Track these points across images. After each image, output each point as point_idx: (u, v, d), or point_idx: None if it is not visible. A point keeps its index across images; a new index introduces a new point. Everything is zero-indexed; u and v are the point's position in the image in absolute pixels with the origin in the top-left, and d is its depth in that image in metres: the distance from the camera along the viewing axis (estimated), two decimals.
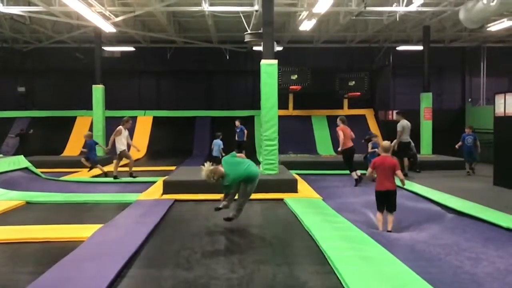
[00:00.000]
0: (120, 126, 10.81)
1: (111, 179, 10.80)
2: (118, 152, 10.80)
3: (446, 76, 20.59)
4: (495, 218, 6.36)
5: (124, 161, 11.25)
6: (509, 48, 19.14)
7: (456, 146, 12.18)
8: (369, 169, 6.67)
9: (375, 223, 6.63)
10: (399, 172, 6.40)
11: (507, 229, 5.89)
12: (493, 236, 5.77)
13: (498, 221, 6.19)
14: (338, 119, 10.35)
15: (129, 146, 11.19)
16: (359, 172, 10.01)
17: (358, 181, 9.87)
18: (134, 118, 19.69)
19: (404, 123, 11.31)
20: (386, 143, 6.90)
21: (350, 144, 10.01)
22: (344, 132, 9.97)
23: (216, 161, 13.79)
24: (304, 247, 5.05)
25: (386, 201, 6.41)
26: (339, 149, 10.25)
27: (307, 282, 3.91)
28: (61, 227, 6.05)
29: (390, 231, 6.29)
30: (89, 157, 11.60)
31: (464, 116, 19.64)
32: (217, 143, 13.24)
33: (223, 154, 12.94)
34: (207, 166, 5.71)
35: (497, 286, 4.08)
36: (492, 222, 6.26)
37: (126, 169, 11.23)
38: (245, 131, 14.85)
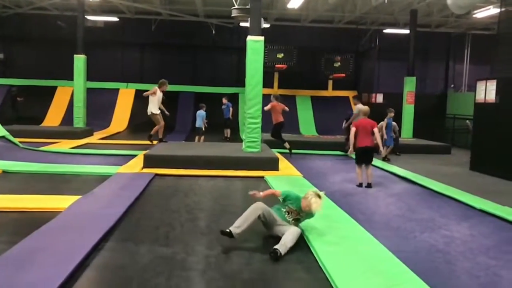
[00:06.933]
0: (156, 87, 10.93)
1: (91, 151, 10.69)
2: (149, 113, 11.12)
3: (431, 61, 20.74)
4: (468, 200, 6.61)
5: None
6: (493, 35, 19.25)
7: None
8: (353, 129, 7.74)
9: (356, 177, 7.85)
10: (376, 130, 7.65)
11: (480, 210, 6.10)
12: (468, 215, 5.99)
13: (471, 203, 6.45)
14: (272, 96, 11.17)
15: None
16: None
17: (290, 149, 10.83)
18: (116, 91, 19.46)
19: (360, 107, 11.52)
20: (365, 107, 8.15)
21: (281, 119, 10.94)
22: (275, 108, 10.80)
23: (199, 132, 13.89)
24: None
25: (365, 156, 7.63)
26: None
27: (283, 261, 3.94)
28: (38, 197, 5.98)
29: (370, 183, 7.64)
30: None
31: (445, 102, 19.86)
32: (201, 114, 13.31)
33: (206, 126, 13.05)
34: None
35: (468, 265, 4.20)
36: (465, 202, 6.54)
37: (104, 141, 11.12)
38: (231, 109, 14.73)
